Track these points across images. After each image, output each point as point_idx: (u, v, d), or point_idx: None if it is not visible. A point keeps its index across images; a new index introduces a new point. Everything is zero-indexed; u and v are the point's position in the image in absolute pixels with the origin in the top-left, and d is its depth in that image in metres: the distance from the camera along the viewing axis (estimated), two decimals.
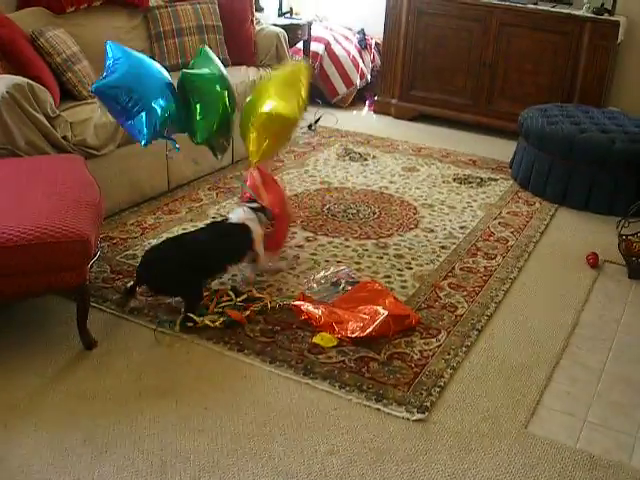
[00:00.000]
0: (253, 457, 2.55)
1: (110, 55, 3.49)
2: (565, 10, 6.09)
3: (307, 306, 3.36)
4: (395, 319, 3.27)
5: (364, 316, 3.28)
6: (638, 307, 3.75)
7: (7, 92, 3.59)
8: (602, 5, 6.00)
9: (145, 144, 3.53)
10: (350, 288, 3.58)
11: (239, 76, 5.28)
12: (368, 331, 3.19)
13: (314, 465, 2.53)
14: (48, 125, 3.81)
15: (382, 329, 3.22)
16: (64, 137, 3.90)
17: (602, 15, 5.96)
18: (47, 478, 2.42)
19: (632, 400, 3.00)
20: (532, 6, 6.17)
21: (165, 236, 4.08)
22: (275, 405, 2.81)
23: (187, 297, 3.33)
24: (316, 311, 3.32)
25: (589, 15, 5.98)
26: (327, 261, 3.93)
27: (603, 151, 4.81)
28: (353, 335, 3.19)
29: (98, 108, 4.18)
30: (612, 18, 5.95)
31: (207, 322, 3.25)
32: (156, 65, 3.69)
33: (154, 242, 3.99)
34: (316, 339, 3.22)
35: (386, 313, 3.25)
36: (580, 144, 4.88)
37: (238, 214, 3.66)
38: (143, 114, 3.43)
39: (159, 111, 3.46)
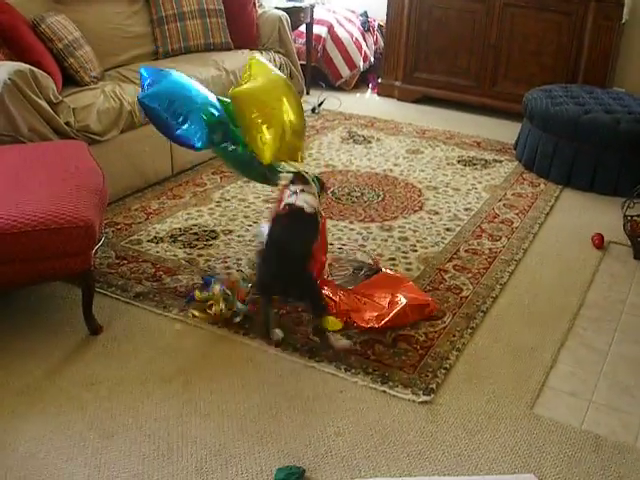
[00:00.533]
0: (259, 440, 2.55)
1: (145, 75, 3.38)
2: None
3: (327, 291, 3.34)
4: (414, 308, 3.26)
5: (382, 304, 3.27)
6: None
7: (9, 79, 3.59)
8: None
9: (199, 148, 3.37)
10: (372, 275, 3.54)
11: (242, 60, 5.26)
12: (383, 322, 3.17)
13: (320, 447, 2.54)
14: (51, 111, 3.80)
15: (399, 319, 3.20)
16: (67, 123, 3.89)
17: None
18: (54, 463, 2.43)
19: (638, 381, 2.99)
20: None
21: (169, 221, 4.08)
22: (280, 388, 2.81)
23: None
24: (334, 297, 3.30)
25: None
26: (331, 244, 3.91)
27: (608, 132, 4.79)
28: (368, 326, 3.17)
29: (101, 94, 4.18)
30: None
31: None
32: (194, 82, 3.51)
33: (159, 227, 4.00)
34: (324, 322, 3.16)
35: (405, 302, 3.24)
36: (585, 125, 4.86)
37: (304, 198, 3.21)
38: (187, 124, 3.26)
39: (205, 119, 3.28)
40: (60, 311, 3.26)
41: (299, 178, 3.34)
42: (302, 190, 3.24)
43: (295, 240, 3.12)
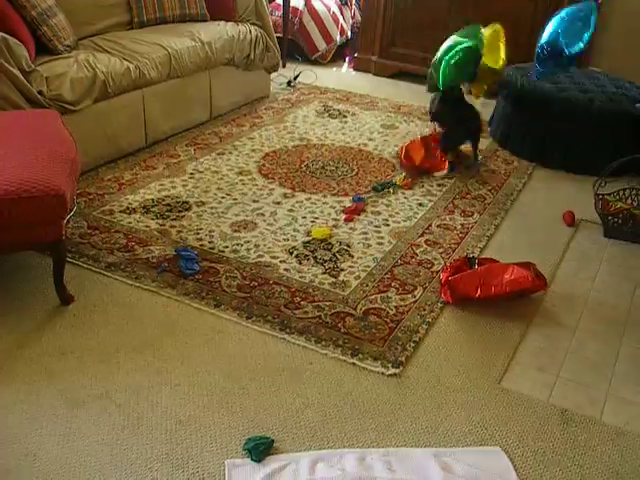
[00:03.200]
0: (228, 411, 2.57)
1: None
2: None
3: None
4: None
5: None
6: (613, 266, 3.78)
7: None
8: None
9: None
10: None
11: (217, 31, 5.23)
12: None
13: (289, 419, 2.55)
14: (23, 80, 3.76)
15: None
16: (39, 92, 3.85)
17: None
18: (24, 432, 2.43)
19: (604, 357, 3.03)
20: None
21: (142, 192, 4.07)
22: (251, 359, 2.83)
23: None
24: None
25: None
26: (304, 217, 3.93)
27: (581, 110, 4.82)
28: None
29: (74, 63, 4.14)
30: None
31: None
32: None
33: (131, 197, 3.99)
34: (313, 232, 3.74)
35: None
36: (558, 103, 4.88)
37: None
38: None
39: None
40: (31, 280, 3.25)
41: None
42: None
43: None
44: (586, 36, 4.65)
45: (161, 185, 4.21)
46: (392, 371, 2.81)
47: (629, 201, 4.11)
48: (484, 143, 5.27)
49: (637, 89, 5.11)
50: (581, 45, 4.66)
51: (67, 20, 4.42)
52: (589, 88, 5.07)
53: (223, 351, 2.87)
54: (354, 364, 2.83)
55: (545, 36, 4.75)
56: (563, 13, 4.73)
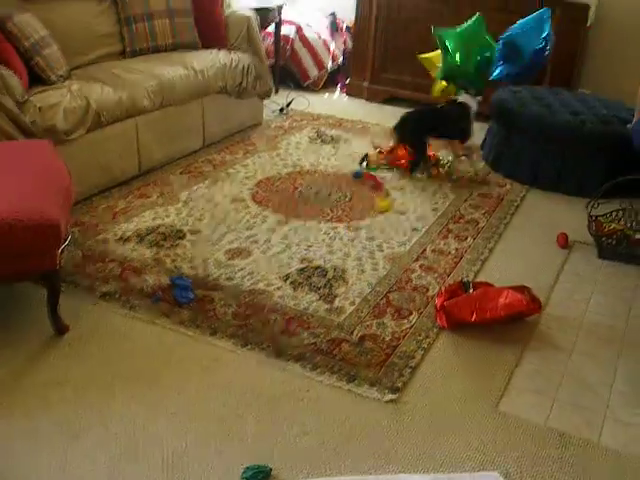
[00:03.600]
0: (225, 439, 2.56)
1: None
2: None
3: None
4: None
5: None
6: (607, 287, 3.79)
7: None
8: None
9: None
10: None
11: (210, 59, 5.26)
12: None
13: (287, 447, 2.54)
14: (17, 110, 3.78)
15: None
16: (33, 122, 3.87)
17: None
18: (21, 463, 2.41)
19: (601, 379, 3.03)
20: None
21: (136, 221, 4.08)
22: (247, 388, 2.82)
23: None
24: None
25: None
26: (298, 244, 3.93)
27: (573, 133, 4.85)
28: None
29: (67, 93, 4.15)
30: (582, 1, 5.96)
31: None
32: None
33: (126, 226, 3.99)
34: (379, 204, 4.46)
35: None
36: (550, 126, 4.92)
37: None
38: None
39: None
40: (26, 311, 3.24)
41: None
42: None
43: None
44: (541, 40, 5.12)
45: (155, 213, 4.21)
46: (389, 397, 2.80)
47: (622, 222, 4.12)
48: (477, 166, 5.30)
49: (627, 110, 5.14)
50: (537, 47, 5.12)
51: (60, 50, 4.44)
52: (580, 110, 5.11)
53: (219, 379, 2.86)
54: (350, 390, 2.82)
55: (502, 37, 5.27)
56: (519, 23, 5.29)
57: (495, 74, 5.30)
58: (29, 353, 2.97)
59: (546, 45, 5.15)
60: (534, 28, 5.18)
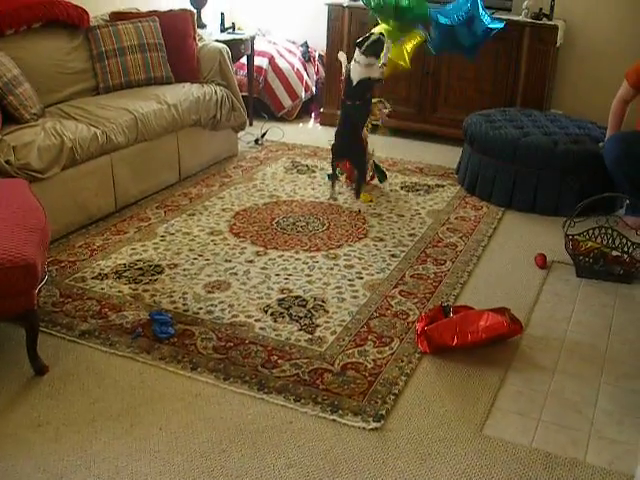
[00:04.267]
0: (209, 475, 2.53)
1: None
2: (504, 16, 6.15)
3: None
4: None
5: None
6: (587, 305, 3.81)
7: None
8: (540, 10, 6.10)
9: None
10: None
11: (183, 93, 5.27)
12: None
13: None
14: None
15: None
16: (7, 161, 3.85)
17: (541, 20, 6.06)
18: None
19: (585, 398, 3.04)
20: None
21: (114, 257, 4.06)
22: (230, 422, 2.80)
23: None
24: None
25: (528, 20, 6.08)
26: (278, 275, 3.93)
27: (546, 153, 4.89)
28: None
29: (41, 131, 4.14)
30: (550, 22, 6.05)
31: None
32: None
33: (103, 263, 3.97)
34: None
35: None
36: (523, 147, 4.95)
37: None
38: None
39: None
40: (4, 352, 3.21)
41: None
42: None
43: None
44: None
45: (133, 249, 4.19)
46: (373, 425, 2.79)
47: (599, 240, 4.15)
48: (453, 190, 5.33)
49: (599, 129, 5.20)
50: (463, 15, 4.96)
51: (33, 88, 4.45)
52: (552, 131, 5.16)
53: (202, 415, 2.83)
54: (334, 420, 2.81)
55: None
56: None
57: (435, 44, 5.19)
58: (9, 394, 2.94)
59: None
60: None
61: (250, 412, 2.85)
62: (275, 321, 3.48)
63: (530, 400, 3.01)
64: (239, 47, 6.51)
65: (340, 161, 5.20)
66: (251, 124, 6.68)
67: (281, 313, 3.55)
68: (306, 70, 7.34)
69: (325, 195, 5.12)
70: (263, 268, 4.01)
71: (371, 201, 5.02)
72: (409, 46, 5.21)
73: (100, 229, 4.46)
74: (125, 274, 3.90)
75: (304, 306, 3.63)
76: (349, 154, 5.10)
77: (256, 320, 3.48)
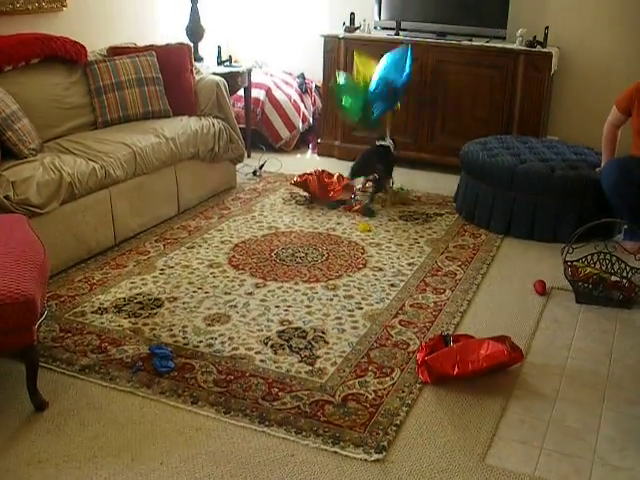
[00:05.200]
0: None
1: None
2: (499, 45, 6.24)
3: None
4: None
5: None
6: (587, 331, 3.81)
7: None
8: (534, 38, 6.15)
9: None
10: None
11: (181, 126, 5.30)
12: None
13: None
14: None
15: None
16: (6, 197, 3.86)
17: (535, 47, 6.11)
18: None
19: (587, 425, 3.03)
20: (467, 42, 6.30)
21: (113, 291, 4.06)
22: (231, 455, 2.79)
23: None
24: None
25: (522, 48, 6.12)
26: (277, 306, 3.93)
27: (543, 180, 4.91)
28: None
29: (40, 166, 4.16)
30: (544, 50, 6.09)
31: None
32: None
33: (103, 297, 3.97)
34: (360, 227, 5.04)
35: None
36: (520, 174, 4.97)
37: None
38: None
39: None
40: (3, 388, 3.20)
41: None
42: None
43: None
44: (405, 74, 5.76)
45: (132, 283, 4.20)
46: (375, 457, 2.77)
47: (597, 265, 4.16)
48: (451, 219, 5.34)
49: (596, 155, 5.22)
50: (403, 80, 5.76)
51: (31, 124, 4.47)
52: (549, 157, 5.18)
53: (203, 449, 2.82)
54: (336, 452, 2.80)
55: (375, 78, 5.78)
56: (385, 59, 5.85)
57: (377, 112, 5.84)
58: (9, 430, 2.93)
59: (407, 79, 5.80)
60: (399, 64, 5.80)
61: (251, 445, 2.84)
62: (275, 353, 3.48)
63: (532, 428, 3.00)
64: (236, 79, 6.55)
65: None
66: (249, 156, 6.70)
67: (281, 345, 3.55)
68: (303, 101, 7.38)
69: (324, 225, 5.13)
70: (262, 300, 4.01)
71: (369, 231, 5.07)
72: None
73: (99, 263, 4.46)
74: (125, 308, 3.89)
75: (304, 337, 3.62)
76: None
77: (256, 352, 3.48)
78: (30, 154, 4.32)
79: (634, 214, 4.58)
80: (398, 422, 2.99)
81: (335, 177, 5.82)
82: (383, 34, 6.70)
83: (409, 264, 4.53)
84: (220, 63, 6.80)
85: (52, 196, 4.14)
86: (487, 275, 4.42)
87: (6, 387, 3.21)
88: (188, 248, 4.70)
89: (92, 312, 3.85)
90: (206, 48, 6.91)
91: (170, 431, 2.93)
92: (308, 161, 7.04)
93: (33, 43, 4.78)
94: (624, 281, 4.09)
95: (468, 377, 3.26)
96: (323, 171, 5.85)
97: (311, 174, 5.75)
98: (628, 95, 4.79)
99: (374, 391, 3.19)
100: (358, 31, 6.79)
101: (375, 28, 6.82)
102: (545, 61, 6.07)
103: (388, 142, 5.88)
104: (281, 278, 4.29)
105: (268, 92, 7.12)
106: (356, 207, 5.51)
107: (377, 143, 5.91)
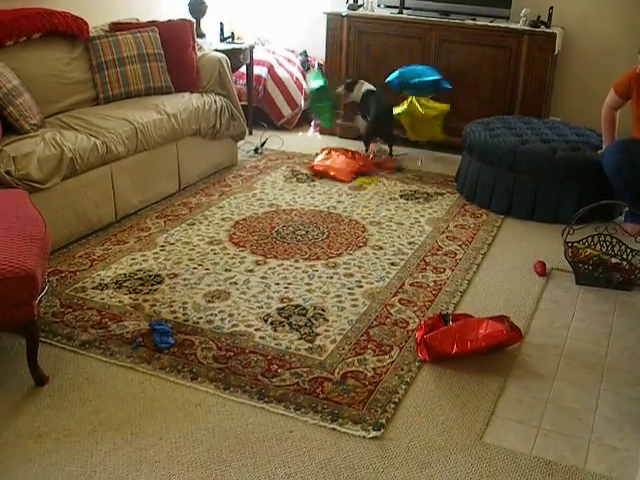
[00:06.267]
0: None
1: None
2: (503, 24, 6.21)
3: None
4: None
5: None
6: (587, 312, 3.81)
7: None
8: (538, 18, 6.12)
9: None
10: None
11: (183, 103, 5.29)
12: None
13: None
14: None
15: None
16: (7, 172, 3.86)
17: (539, 28, 6.08)
18: None
19: (585, 405, 3.04)
20: (470, 22, 6.27)
21: (114, 267, 4.07)
22: (230, 431, 2.80)
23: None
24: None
25: (526, 28, 6.10)
26: (277, 284, 3.93)
27: (545, 161, 4.90)
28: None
29: (41, 141, 4.15)
30: (548, 30, 6.07)
31: None
32: None
33: (103, 273, 3.98)
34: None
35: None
36: (523, 155, 4.97)
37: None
38: None
39: None
40: (4, 362, 3.21)
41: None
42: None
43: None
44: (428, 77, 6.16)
45: (133, 259, 4.20)
46: (373, 434, 2.79)
47: (598, 247, 4.16)
48: (452, 198, 5.34)
49: (598, 136, 5.21)
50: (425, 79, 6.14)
51: (33, 99, 4.46)
52: (551, 138, 5.17)
53: (202, 424, 2.84)
54: (334, 429, 2.81)
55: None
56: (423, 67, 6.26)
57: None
58: (8, 405, 2.94)
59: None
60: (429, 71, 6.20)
61: (250, 421, 2.86)
62: (275, 330, 3.49)
63: (530, 408, 3.01)
64: (238, 56, 6.52)
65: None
66: (250, 133, 6.69)
67: (281, 322, 3.56)
68: (305, 79, 7.35)
69: (325, 203, 5.13)
70: (263, 277, 4.02)
71: (370, 184, 5.54)
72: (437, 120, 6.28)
73: (100, 239, 4.46)
74: (125, 284, 3.90)
75: (304, 315, 3.63)
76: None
77: (256, 329, 3.49)
78: (31, 129, 4.31)
79: (635, 196, 4.58)
80: (396, 400, 3.00)
81: (350, 154, 6.07)
82: (386, 12, 6.67)
83: (409, 243, 4.53)
84: (222, 40, 6.78)
85: (53, 172, 4.14)
86: (487, 255, 4.42)
87: (7, 362, 3.22)
88: (189, 225, 4.71)
89: (93, 288, 3.86)
90: (208, 24, 6.88)
91: (169, 406, 2.94)
92: (310, 139, 7.03)
93: (35, 18, 4.75)
94: (624, 263, 4.09)
95: (467, 356, 3.27)
96: (330, 152, 6.08)
97: (327, 159, 5.96)
98: (626, 81, 4.78)
99: (373, 369, 3.20)
100: (361, 9, 6.77)
101: (379, 6, 6.79)
102: (549, 41, 6.04)
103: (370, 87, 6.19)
104: (281, 256, 4.29)
105: (270, 69, 7.10)
106: (389, 165, 6.03)
107: (363, 90, 6.23)
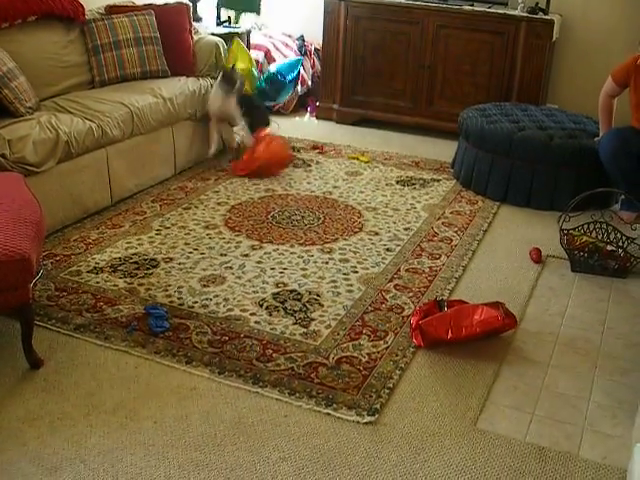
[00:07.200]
0: (204, 469, 2.54)
1: None
2: (500, 10, 6.19)
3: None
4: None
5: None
6: (582, 300, 3.82)
7: None
8: (536, 4, 6.11)
9: None
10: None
11: (179, 87, 5.27)
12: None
13: (266, 473, 2.53)
14: None
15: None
16: (2, 155, 3.84)
17: (537, 14, 6.06)
18: None
19: (578, 392, 3.05)
20: (468, 7, 6.25)
21: (109, 251, 4.06)
22: (225, 415, 2.80)
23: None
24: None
25: (524, 15, 6.08)
26: (273, 269, 3.93)
27: (541, 148, 4.90)
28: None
29: (36, 124, 4.14)
30: (546, 17, 6.05)
31: None
32: None
33: (98, 257, 3.98)
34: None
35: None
36: (519, 142, 4.96)
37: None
38: None
39: None
40: None
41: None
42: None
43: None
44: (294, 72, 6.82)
45: (128, 243, 4.19)
46: (367, 419, 2.79)
47: (594, 234, 4.17)
48: (448, 185, 5.34)
49: (595, 124, 5.21)
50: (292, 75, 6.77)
51: (28, 82, 4.43)
52: (548, 125, 5.17)
53: (196, 408, 2.84)
54: (329, 414, 2.81)
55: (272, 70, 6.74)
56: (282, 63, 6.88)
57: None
58: (3, 388, 2.94)
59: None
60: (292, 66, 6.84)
61: (245, 406, 2.86)
62: (270, 315, 3.49)
63: (524, 394, 3.02)
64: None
65: None
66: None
67: (276, 307, 3.56)
68: (302, 64, 7.33)
69: (320, 189, 5.12)
70: (258, 262, 4.01)
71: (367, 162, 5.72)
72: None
73: (95, 223, 4.46)
74: (120, 268, 3.90)
75: (299, 300, 3.63)
76: None
77: (251, 314, 3.49)
78: (27, 112, 4.29)
79: (631, 184, 4.58)
80: (391, 385, 3.01)
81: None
82: None
83: (405, 229, 4.53)
84: (219, 24, 6.76)
85: (48, 155, 4.12)
86: (483, 242, 4.42)
87: (1, 345, 3.22)
88: (184, 209, 4.70)
89: (88, 271, 3.85)
90: (205, 8, 6.85)
91: (164, 390, 2.94)
92: (306, 124, 7.02)
93: (31, 0, 4.72)
94: (619, 251, 4.09)
95: (461, 342, 3.27)
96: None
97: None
98: (625, 70, 4.77)
99: (368, 354, 3.20)
100: None
101: None
102: (546, 28, 6.02)
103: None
104: (277, 240, 4.29)
105: (267, 54, 7.08)
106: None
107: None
